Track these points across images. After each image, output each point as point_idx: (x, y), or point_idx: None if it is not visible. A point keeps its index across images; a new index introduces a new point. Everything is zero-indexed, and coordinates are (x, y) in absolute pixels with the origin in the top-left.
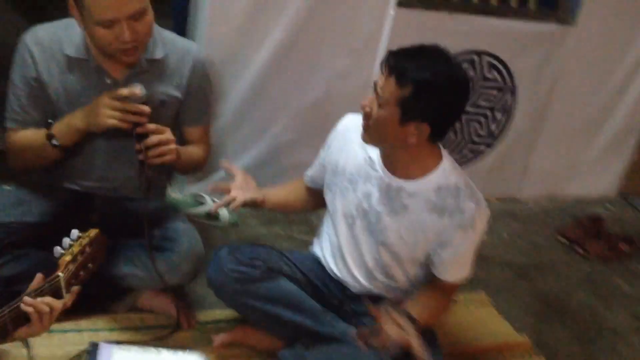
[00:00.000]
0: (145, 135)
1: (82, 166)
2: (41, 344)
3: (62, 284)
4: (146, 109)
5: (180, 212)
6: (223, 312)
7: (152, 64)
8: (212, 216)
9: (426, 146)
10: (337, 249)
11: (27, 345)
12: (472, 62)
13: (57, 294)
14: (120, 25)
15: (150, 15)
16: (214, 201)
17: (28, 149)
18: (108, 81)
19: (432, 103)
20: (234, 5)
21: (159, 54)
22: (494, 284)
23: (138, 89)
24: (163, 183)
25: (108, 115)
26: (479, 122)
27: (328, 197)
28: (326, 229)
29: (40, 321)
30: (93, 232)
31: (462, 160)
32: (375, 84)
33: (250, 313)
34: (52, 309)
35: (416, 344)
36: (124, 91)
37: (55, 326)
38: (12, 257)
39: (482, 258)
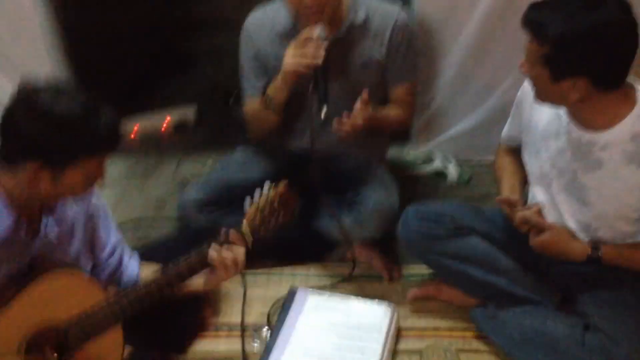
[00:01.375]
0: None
1: (300, 128)
2: (256, 284)
3: (247, 231)
4: (320, 49)
5: (378, 172)
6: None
7: (354, 29)
8: (440, 174)
9: (608, 95)
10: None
11: (243, 284)
12: None
13: (243, 242)
14: None
15: None
16: (444, 159)
17: (256, 115)
18: None
19: (578, 56)
20: None
21: (359, 19)
22: None
23: (316, 31)
24: (377, 144)
25: (287, 59)
26: None
27: (525, 159)
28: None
29: (224, 268)
30: (281, 184)
31: None
32: None
33: (439, 270)
34: (235, 256)
35: None
36: (303, 34)
37: (274, 271)
38: (231, 211)
39: None
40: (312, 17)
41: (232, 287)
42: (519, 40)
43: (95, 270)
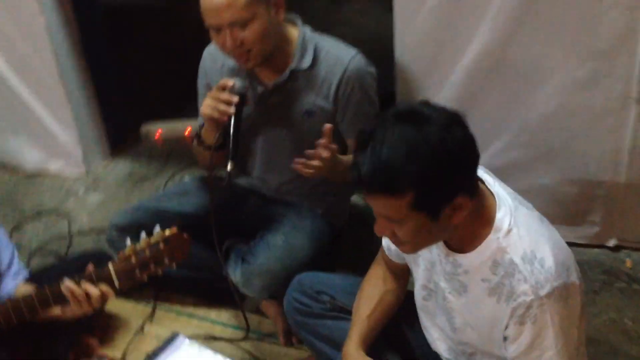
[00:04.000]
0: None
1: (245, 165)
2: (161, 321)
3: (112, 273)
4: (233, 99)
5: (291, 226)
6: None
7: (298, 74)
8: None
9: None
10: (419, 316)
11: (151, 318)
12: None
13: (109, 282)
14: (224, 31)
15: (259, 24)
16: None
17: (195, 149)
18: (258, 87)
19: (446, 174)
20: (421, 7)
21: (305, 65)
22: None
23: (232, 81)
24: (308, 190)
25: (205, 104)
26: None
27: (410, 267)
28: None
29: (77, 303)
30: (170, 231)
31: None
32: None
33: (310, 348)
34: (89, 294)
35: None
36: (220, 82)
37: (187, 310)
38: None
39: None
40: (239, 60)
41: (133, 318)
42: (507, 97)
43: None
